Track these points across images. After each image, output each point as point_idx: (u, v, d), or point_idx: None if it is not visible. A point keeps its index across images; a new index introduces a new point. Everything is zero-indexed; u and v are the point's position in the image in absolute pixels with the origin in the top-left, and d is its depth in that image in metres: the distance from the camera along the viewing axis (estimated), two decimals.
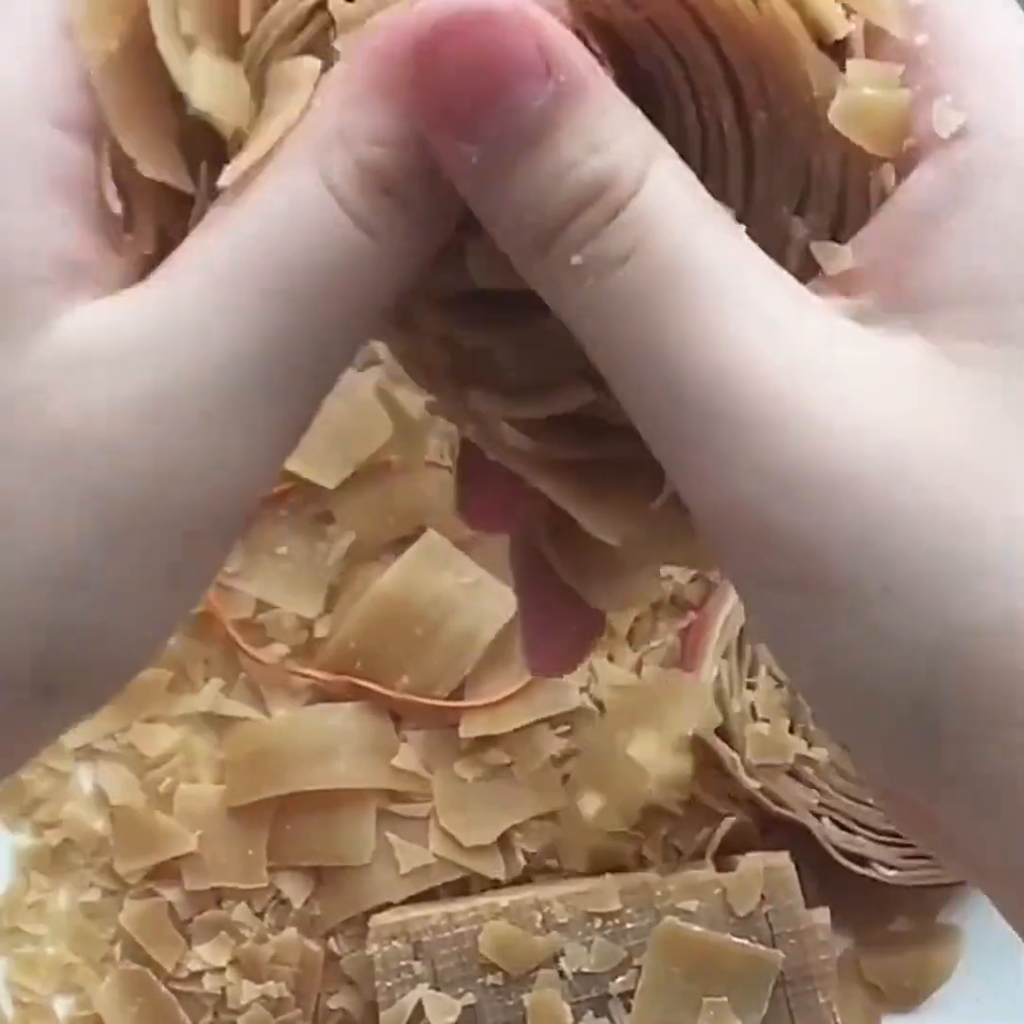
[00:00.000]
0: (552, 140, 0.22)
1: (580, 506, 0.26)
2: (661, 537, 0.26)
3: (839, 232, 0.24)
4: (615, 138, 0.22)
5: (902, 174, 0.23)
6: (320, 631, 0.68)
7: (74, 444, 0.21)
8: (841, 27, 0.23)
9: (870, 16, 0.23)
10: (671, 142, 0.23)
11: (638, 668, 0.67)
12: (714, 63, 0.23)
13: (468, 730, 0.65)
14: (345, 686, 0.66)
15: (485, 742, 0.66)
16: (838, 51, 0.23)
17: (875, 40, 0.23)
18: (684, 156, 0.23)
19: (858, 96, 0.22)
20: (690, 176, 0.23)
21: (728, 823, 0.65)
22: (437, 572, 0.66)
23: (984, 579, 0.21)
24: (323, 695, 0.67)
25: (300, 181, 0.22)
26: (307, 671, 0.67)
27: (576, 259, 0.22)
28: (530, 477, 0.26)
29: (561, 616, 0.30)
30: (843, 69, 0.23)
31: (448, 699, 0.66)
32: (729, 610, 0.64)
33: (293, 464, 0.66)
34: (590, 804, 0.65)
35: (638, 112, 0.22)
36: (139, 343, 0.22)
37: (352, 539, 0.68)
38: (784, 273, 0.22)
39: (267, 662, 0.67)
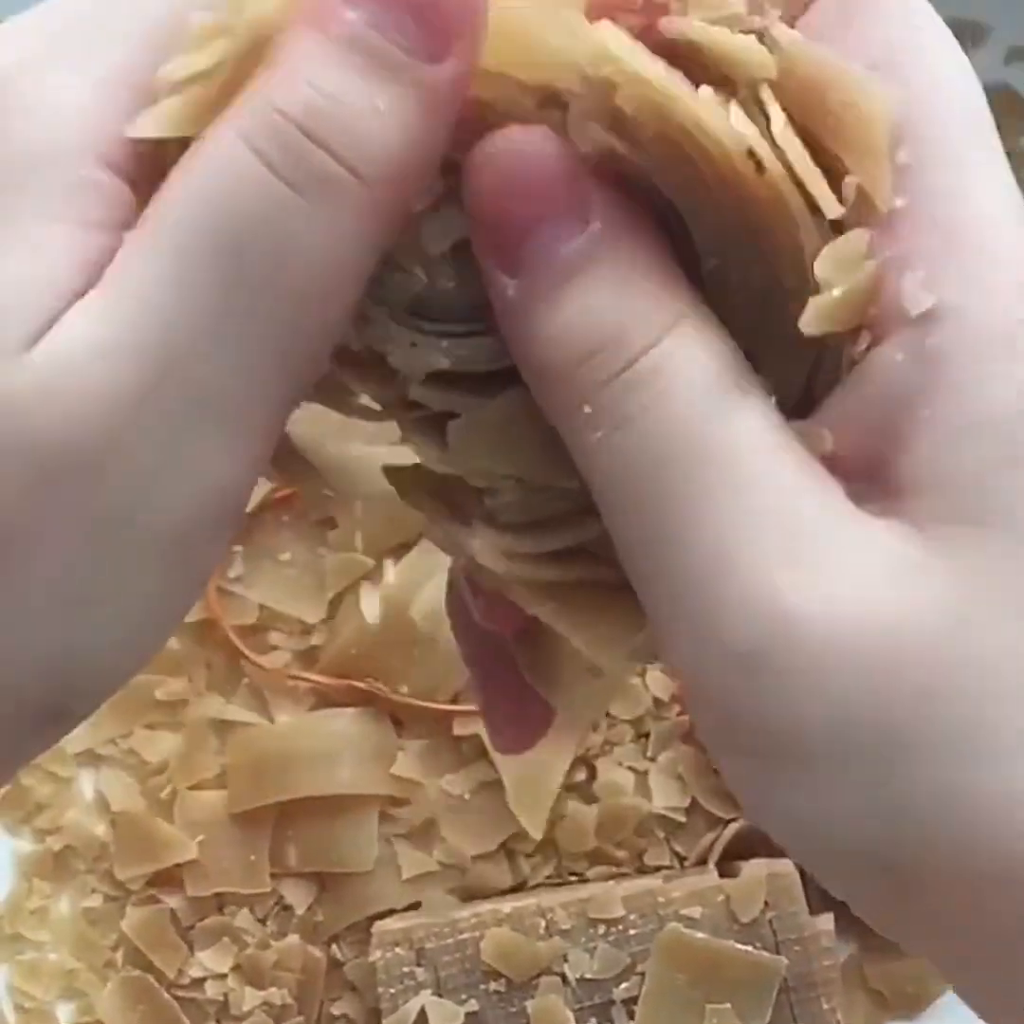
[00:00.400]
0: (579, 284, 0.22)
1: (580, 631, 0.25)
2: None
3: (812, 385, 0.23)
4: (638, 293, 0.22)
5: (873, 338, 0.23)
6: (323, 637, 0.68)
7: (51, 461, 0.21)
8: (833, 210, 0.22)
9: (864, 182, 0.22)
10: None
11: (641, 673, 0.67)
12: (714, 214, 0.23)
13: (465, 728, 0.66)
14: (347, 691, 0.66)
15: (484, 747, 0.66)
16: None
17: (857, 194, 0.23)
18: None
19: (828, 301, 0.22)
20: (719, 345, 0.22)
21: (732, 829, 0.65)
22: (436, 575, 0.66)
23: (944, 751, 0.21)
24: (325, 700, 0.67)
25: (219, 143, 0.21)
26: (309, 676, 0.67)
27: (587, 408, 0.22)
28: (526, 603, 0.26)
29: (523, 695, 0.30)
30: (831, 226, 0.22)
31: (449, 703, 0.66)
32: None
33: None
34: (590, 810, 0.65)
35: (674, 271, 0.23)
36: (97, 347, 0.21)
37: (354, 545, 0.68)
38: (794, 446, 0.22)
39: (269, 668, 0.67)
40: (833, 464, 0.23)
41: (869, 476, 0.22)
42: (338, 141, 0.21)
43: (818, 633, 0.21)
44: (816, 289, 0.22)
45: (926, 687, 0.21)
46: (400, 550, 0.67)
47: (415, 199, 0.23)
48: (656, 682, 0.67)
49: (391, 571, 0.67)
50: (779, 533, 0.21)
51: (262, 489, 0.67)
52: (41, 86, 0.22)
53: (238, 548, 0.68)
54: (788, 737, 0.22)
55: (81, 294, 0.22)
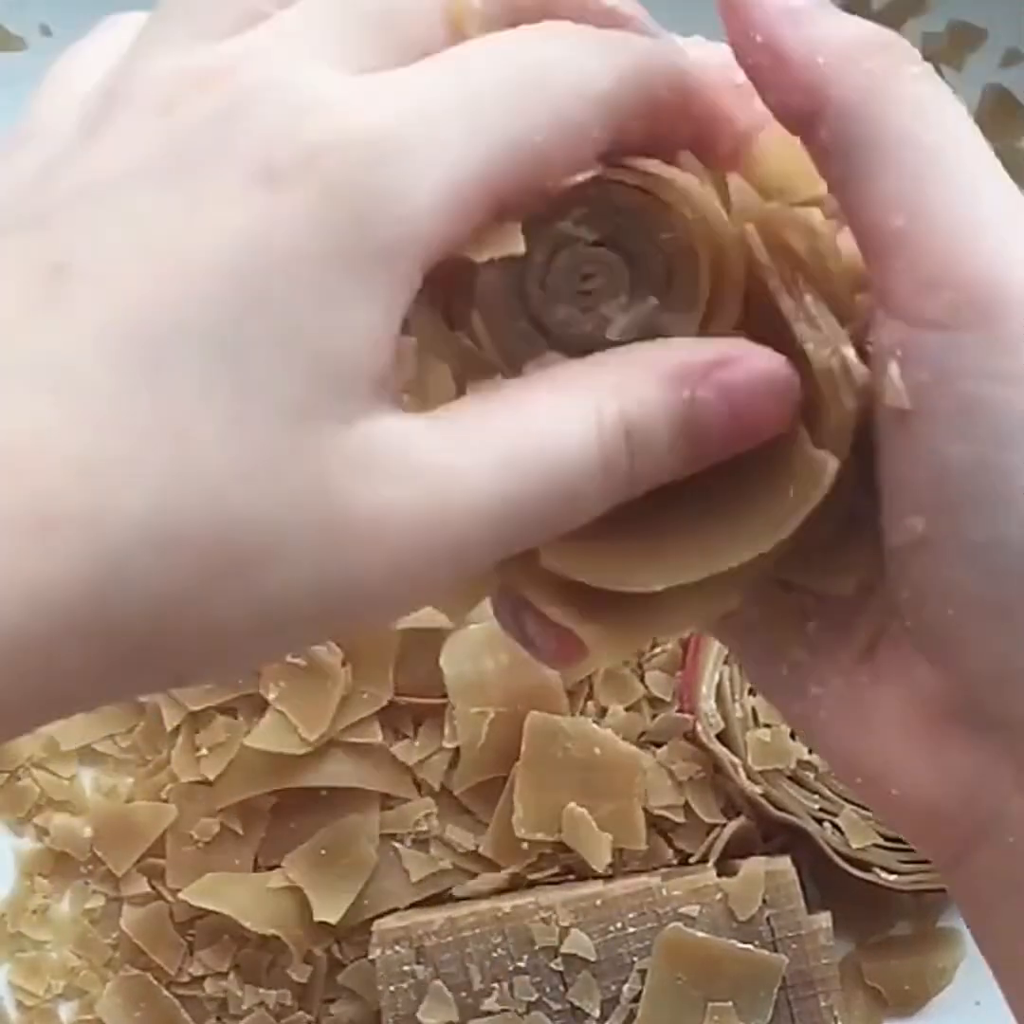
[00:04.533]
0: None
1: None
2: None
3: None
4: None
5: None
6: None
7: (349, 531, 0.23)
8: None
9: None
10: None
11: (640, 674, 0.68)
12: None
13: None
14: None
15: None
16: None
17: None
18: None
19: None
20: None
21: (731, 828, 0.65)
22: None
23: None
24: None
25: (582, 412, 0.25)
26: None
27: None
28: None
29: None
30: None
31: (444, 697, 0.66)
32: None
33: None
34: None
35: None
36: (431, 466, 0.24)
37: None
38: None
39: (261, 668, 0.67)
40: None
41: None
42: (642, 453, 0.26)
43: None
44: None
45: None
46: None
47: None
48: (655, 681, 0.67)
49: None
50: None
51: None
52: (408, 170, 0.24)
53: None
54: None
55: (380, 396, 0.24)
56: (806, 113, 0.26)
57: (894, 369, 0.25)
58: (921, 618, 0.27)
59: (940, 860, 0.29)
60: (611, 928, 0.61)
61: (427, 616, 0.66)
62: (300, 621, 0.24)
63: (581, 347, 0.27)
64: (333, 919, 0.65)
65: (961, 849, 0.28)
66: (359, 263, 0.23)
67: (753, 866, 0.62)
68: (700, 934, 0.60)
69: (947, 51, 0.74)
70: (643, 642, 0.30)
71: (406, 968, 0.61)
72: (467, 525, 0.24)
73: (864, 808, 0.63)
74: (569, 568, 0.28)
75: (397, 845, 0.66)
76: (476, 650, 0.65)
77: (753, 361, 0.26)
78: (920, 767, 0.28)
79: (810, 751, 0.63)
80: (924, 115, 0.25)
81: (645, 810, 0.66)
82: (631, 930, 0.61)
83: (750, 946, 0.60)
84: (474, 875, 0.66)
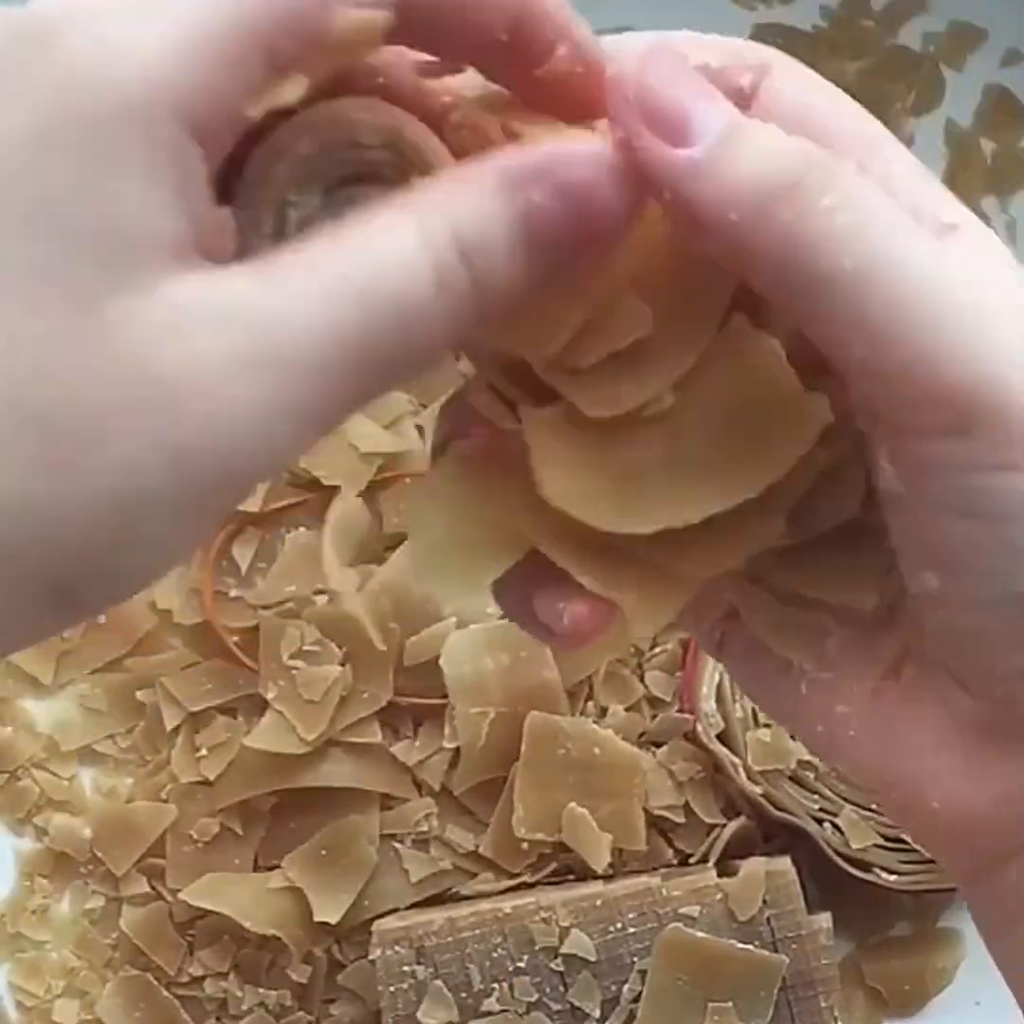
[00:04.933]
0: (757, 128, 0.25)
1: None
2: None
3: None
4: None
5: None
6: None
7: (172, 394, 0.23)
8: None
9: None
10: None
11: (641, 674, 0.68)
12: None
13: None
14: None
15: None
16: None
17: None
18: None
19: None
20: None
21: (731, 828, 0.65)
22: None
23: None
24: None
25: (405, 230, 0.24)
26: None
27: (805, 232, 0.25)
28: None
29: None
30: None
31: (444, 697, 0.66)
32: None
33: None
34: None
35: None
36: (245, 309, 0.23)
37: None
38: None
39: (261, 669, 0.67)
40: None
41: None
42: (481, 266, 0.25)
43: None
44: None
45: None
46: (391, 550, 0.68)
47: None
48: (655, 681, 0.67)
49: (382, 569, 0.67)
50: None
51: (262, 497, 0.68)
52: (135, 24, 0.23)
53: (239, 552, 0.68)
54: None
55: (181, 259, 0.23)
56: (733, 259, 0.25)
57: (885, 459, 0.26)
58: (945, 650, 0.27)
59: (966, 873, 0.29)
60: (611, 928, 0.61)
61: (431, 614, 0.66)
62: (169, 498, 0.23)
63: None
64: (333, 919, 0.65)
65: (991, 862, 0.28)
66: (103, 128, 0.23)
67: (753, 866, 0.62)
68: (700, 934, 0.60)
69: (947, 51, 0.74)
70: (673, 611, 0.29)
71: (406, 968, 0.61)
72: (304, 366, 0.23)
73: (864, 808, 0.63)
74: (572, 505, 0.27)
75: (397, 845, 0.66)
76: (476, 650, 0.65)
77: (584, 153, 0.25)
78: (956, 779, 0.28)
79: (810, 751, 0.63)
80: (846, 247, 0.24)
81: (645, 810, 0.66)
82: (631, 930, 0.61)
83: (750, 946, 0.60)
84: (474, 875, 0.66)
